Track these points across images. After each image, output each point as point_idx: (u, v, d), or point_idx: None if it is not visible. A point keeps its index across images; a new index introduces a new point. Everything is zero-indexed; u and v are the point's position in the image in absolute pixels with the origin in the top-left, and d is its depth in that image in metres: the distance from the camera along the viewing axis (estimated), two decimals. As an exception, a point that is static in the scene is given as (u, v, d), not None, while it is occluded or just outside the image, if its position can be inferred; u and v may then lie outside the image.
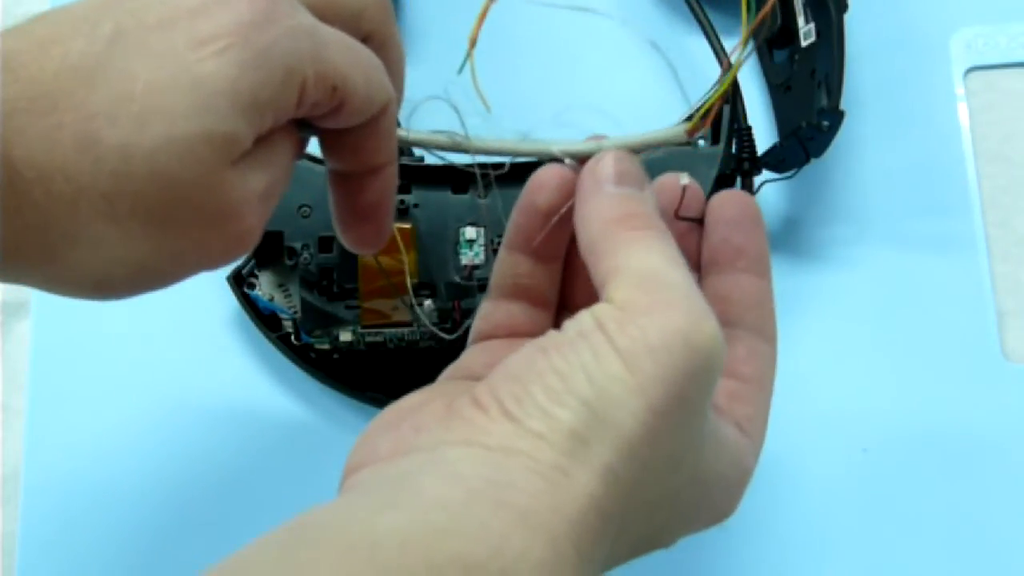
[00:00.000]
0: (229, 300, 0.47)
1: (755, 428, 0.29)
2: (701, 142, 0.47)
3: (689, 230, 0.31)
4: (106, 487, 0.47)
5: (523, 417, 0.24)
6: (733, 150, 0.47)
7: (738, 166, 0.47)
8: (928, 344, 0.48)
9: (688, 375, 0.24)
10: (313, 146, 0.48)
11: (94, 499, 0.47)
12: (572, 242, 0.31)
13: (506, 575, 0.21)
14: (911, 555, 0.46)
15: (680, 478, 0.26)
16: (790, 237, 0.50)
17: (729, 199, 0.31)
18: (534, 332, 0.31)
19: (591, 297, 0.29)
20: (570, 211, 0.30)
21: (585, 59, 0.53)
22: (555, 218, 0.31)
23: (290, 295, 0.47)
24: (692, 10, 0.50)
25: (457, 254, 0.45)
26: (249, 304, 0.47)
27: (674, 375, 0.24)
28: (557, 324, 0.29)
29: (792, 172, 0.47)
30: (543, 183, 0.31)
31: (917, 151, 0.51)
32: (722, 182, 0.46)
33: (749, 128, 0.47)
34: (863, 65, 0.52)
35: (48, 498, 0.47)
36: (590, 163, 0.30)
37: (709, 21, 0.49)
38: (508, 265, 0.32)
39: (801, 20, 0.49)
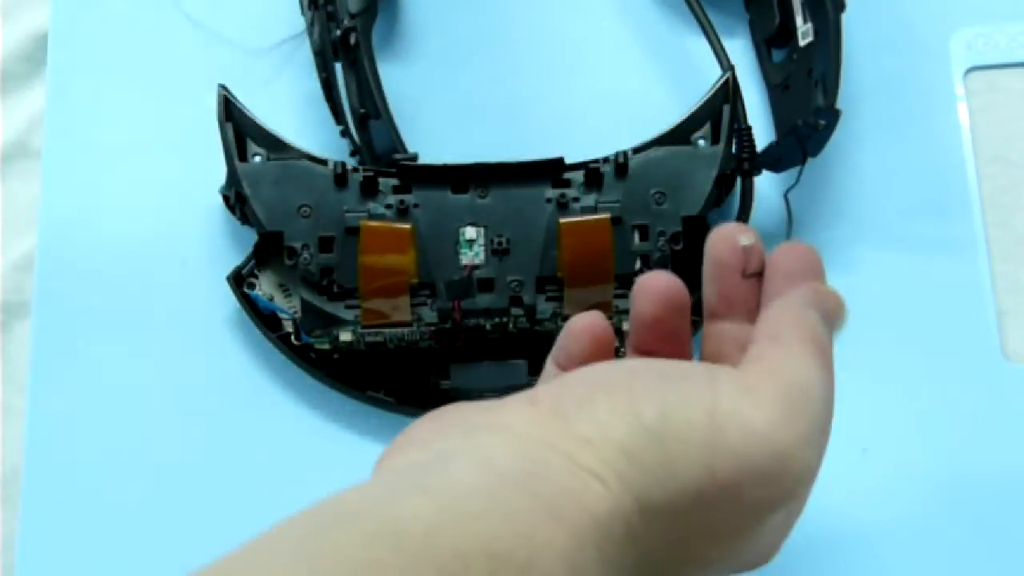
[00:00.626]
0: (229, 300, 0.47)
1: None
2: (701, 142, 0.47)
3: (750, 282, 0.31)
4: (106, 487, 0.47)
5: (575, 419, 0.24)
6: (733, 150, 0.47)
7: (738, 166, 0.47)
8: (928, 344, 0.48)
9: (762, 478, 0.24)
10: (313, 145, 0.48)
11: (94, 499, 0.47)
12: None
13: (531, 565, 0.21)
14: (911, 555, 0.46)
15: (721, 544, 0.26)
16: (789, 236, 0.50)
17: (789, 253, 0.31)
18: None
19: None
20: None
21: (585, 59, 0.53)
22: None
23: (290, 295, 0.47)
24: (692, 10, 0.50)
25: (457, 254, 0.45)
26: (249, 304, 0.47)
27: (750, 466, 0.24)
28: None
29: (797, 178, 0.47)
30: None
31: (917, 151, 0.51)
32: (722, 182, 0.47)
33: (749, 128, 0.47)
34: (862, 65, 0.52)
35: (48, 498, 0.47)
36: (816, 285, 0.31)
37: (709, 21, 0.49)
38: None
39: (799, 19, 0.49)
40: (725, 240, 0.31)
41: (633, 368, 0.25)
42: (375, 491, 0.23)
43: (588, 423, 0.23)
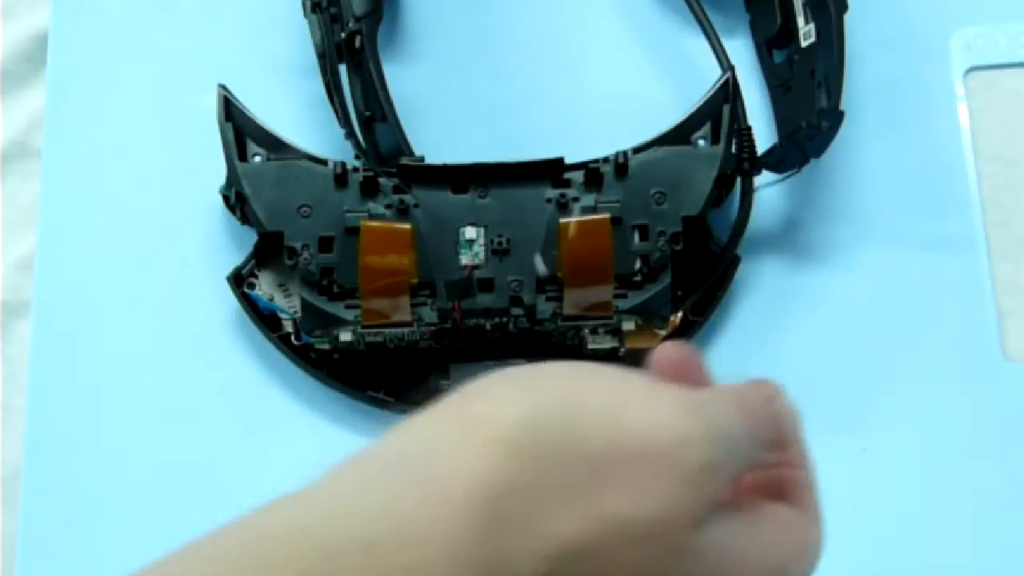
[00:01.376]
0: (229, 300, 0.47)
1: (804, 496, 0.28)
2: (701, 142, 0.47)
3: None
4: (106, 487, 0.47)
5: (475, 396, 0.24)
6: (733, 150, 0.47)
7: (738, 166, 0.47)
8: (928, 344, 0.48)
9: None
10: (314, 146, 0.48)
11: (94, 499, 0.47)
12: None
13: (409, 549, 0.21)
14: (911, 555, 0.46)
15: None
16: (790, 238, 0.50)
17: (666, 352, 0.30)
18: None
19: None
20: None
21: (585, 59, 0.53)
22: None
23: (290, 295, 0.47)
24: (692, 10, 0.50)
25: (457, 254, 0.45)
26: (249, 304, 0.47)
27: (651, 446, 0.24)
28: None
29: (792, 172, 0.47)
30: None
31: (917, 151, 0.51)
32: (722, 182, 0.46)
33: (749, 128, 0.47)
34: (863, 65, 0.52)
35: (48, 498, 0.47)
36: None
37: (709, 21, 0.49)
38: None
39: (801, 20, 0.49)
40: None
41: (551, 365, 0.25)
42: (272, 504, 0.23)
43: (486, 400, 0.24)
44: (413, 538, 0.21)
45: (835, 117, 0.44)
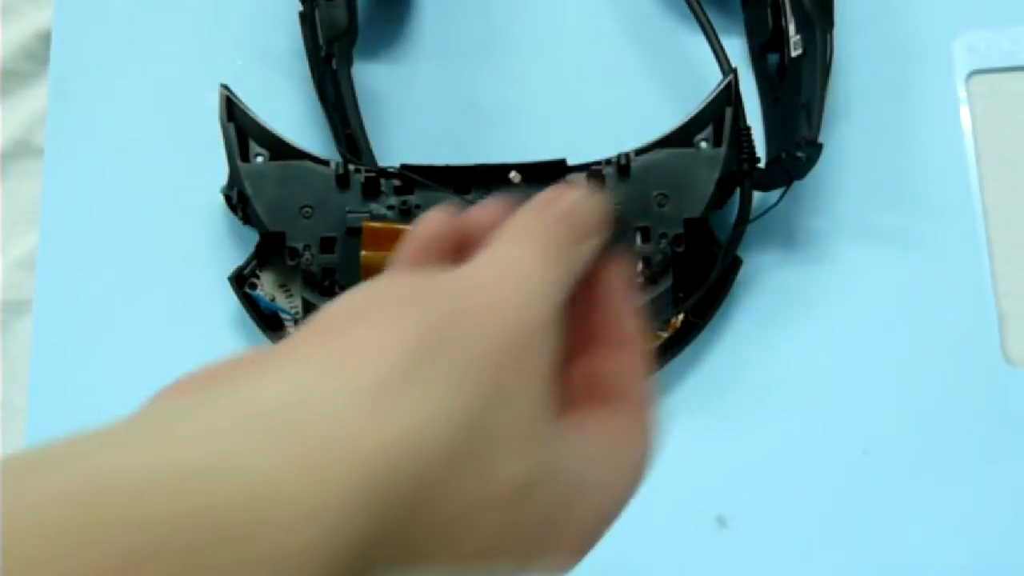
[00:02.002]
0: (231, 300, 0.47)
1: (630, 394, 0.24)
2: (703, 144, 0.47)
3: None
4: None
5: (359, 326, 0.19)
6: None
7: (738, 167, 0.47)
8: (929, 346, 0.48)
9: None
10: (316, 146, 0.48)
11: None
12: None
13: (265, 529, 0.16)
14: (911, 556, 0.46)
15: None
16: (791, 238, 0.50)
17: (605, 275, 0.25)
18: None
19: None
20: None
21: (587, 61, 0.53)
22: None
23: (292, 295, 0.47)
24: (692, 10, 0.50)
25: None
26: (250, 304, 0.47)
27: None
28: None
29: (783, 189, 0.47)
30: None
31: (919, 154, 0.51)
32: (724, 183, 0.46)
33: (748, 128, 0.47)
34: (865, 68, 0.52)
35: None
36: (550, 192, 0.25)
37: (709, 21, 0.49)
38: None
39: (792, 27, 0.49)
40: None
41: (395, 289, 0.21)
42: (98, 439, 0.17)
43: (376, 327, 0.19)
44: (269, 515, 0.16)
45: (814, 149, 0.45)
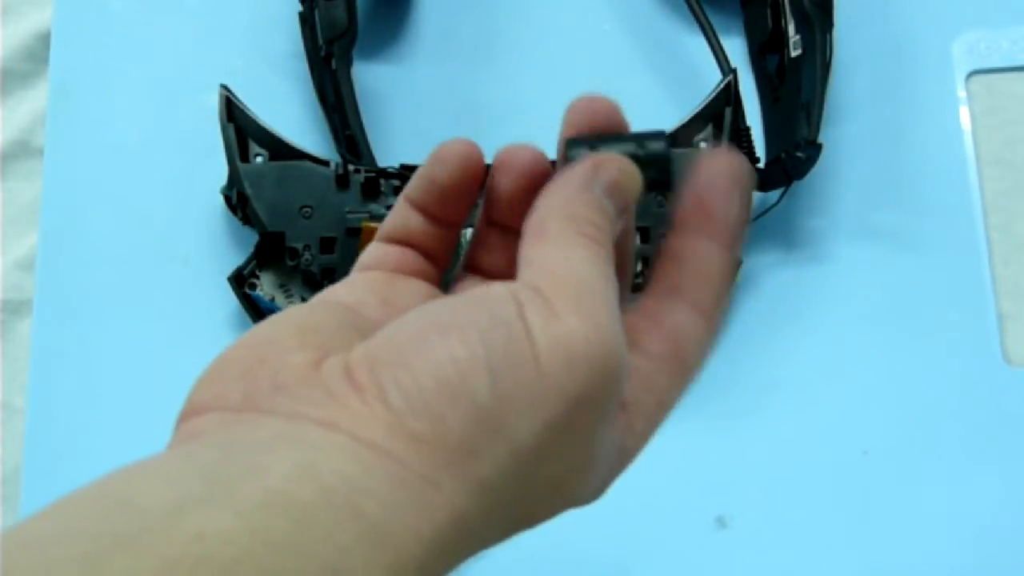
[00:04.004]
0: (230, 300, 0.47)
1: (646, 410, 0.25)
2: (703, 144, 0.47)
3: None
4: (106, 486, 0.47)
5: (406, 413, 0.21)
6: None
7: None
8: (929, 347, 0.48)
9: (595, 394, 0.22)
10: (316, 146, 0.48)
11: (94, 498, 0.47)
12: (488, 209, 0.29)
13: None
14: (911, 556, 0.46)
15: (561, 480, 0.24)
16: (791, 238, 0.50)
17: (716, 158, 0.27)
18: (420, 274, 0.28)
19: (497, 265, 0.28)
20: (475, 185, 0.28)
21: (586, 60, 0.53)
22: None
23: (292, 295, 0.47)
24: (692, 10, 0.50)
25: (459, 256, 0.45)
26: (250, 304, 0.47)
27: (582, 392, 0.21)
28: (445, 280, 0.27)
29: (782, 189, 0.47)
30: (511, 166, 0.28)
31: (919, 154, 0.51)
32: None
33: (748, 128, 0.47)
34: (865, 68, 0.52)
35: (48, 498, 0.47)
36: (598, 157, 0.26)
37: (709, 21, 0.49)
38: (402, 218, 0.29)
39: (791, 28, 0.49)
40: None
41: (438, 322, 0.22)
42: (176, 488, 0.19)
43: (421, 418, 0.20)
44: None
45: (813, 149, 0.45)
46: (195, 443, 0.22)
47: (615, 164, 0.26)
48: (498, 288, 0.22)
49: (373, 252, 0.29)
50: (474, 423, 0.21)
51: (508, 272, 0.26)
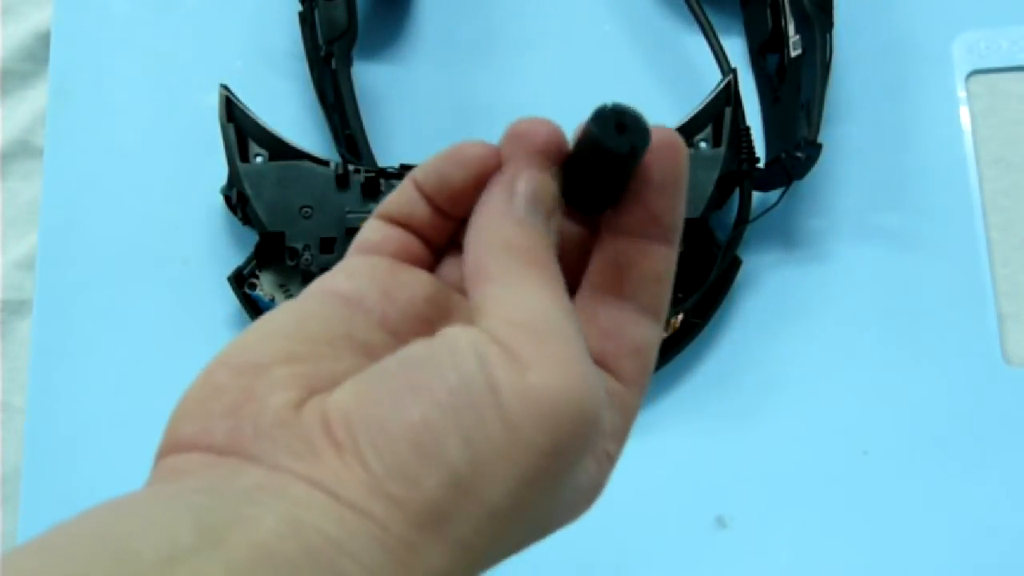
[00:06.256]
0: (230, 300, 0.47)
1: (620, 433, 0.25)
2: (703, 144, 0.47)
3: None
4: (106, 487, 0.47)
5: (383, 476, 0.21)
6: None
7: (737, 167, 0.47)
8: (929, 347, 0.48)
9: (570, 444, 0.22)
10: (316, 146, 0.48)
11: (94, 499, 0.47)
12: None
13: None
14: (912, 557, 0.46)
15: (541, 520, 0.24)
16: (791, 238, 0.50)
17: (659, 155, 0.26)
18: (419, 262, 0.28)
19: None
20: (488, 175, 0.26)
21: (585, 59, 0.53)
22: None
23: (291, 295, 0.47)
24: (692, 10, 0.50)
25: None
26: (250, 304, 0.47)
27: (555, 445, 0.21)
28: (436, 261, 0.27)
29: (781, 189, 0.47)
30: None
31: (918, 154, 0.51)
32: (723, 183, 0.46)
33: (748, 129, 0.47)
34: (865, 68, 0.52)
35: (48, 498, 0.47)
36: (506, 174, 0.25)
37: (709, 21, 0.49)
38: (408, 202, 0.28)
39: (791, 28, 0.49)
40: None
41: (411, 383, 0.22)
42: (167, 535, 0.20)
43: (397, 481, 0.21)
44: None
45: (813, 149, 0.45)
46: (182, 484, 0.22)
47: (523, 174, 0.25)
48: (461, 340, 0.22)
49: (373, 232, 0.28)
50: (450, 486, 0.21)
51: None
